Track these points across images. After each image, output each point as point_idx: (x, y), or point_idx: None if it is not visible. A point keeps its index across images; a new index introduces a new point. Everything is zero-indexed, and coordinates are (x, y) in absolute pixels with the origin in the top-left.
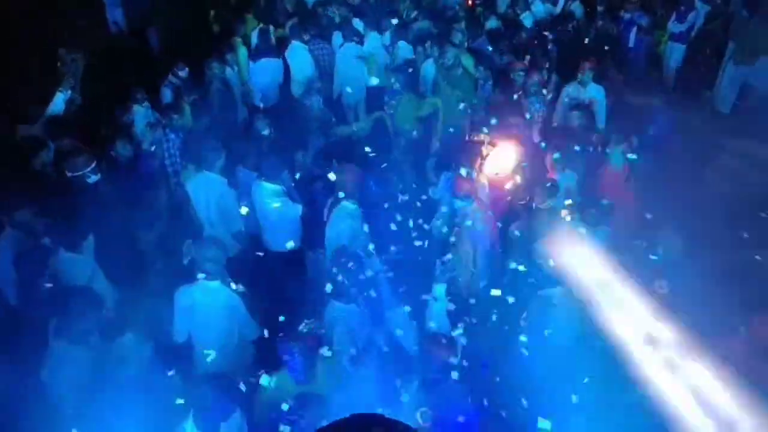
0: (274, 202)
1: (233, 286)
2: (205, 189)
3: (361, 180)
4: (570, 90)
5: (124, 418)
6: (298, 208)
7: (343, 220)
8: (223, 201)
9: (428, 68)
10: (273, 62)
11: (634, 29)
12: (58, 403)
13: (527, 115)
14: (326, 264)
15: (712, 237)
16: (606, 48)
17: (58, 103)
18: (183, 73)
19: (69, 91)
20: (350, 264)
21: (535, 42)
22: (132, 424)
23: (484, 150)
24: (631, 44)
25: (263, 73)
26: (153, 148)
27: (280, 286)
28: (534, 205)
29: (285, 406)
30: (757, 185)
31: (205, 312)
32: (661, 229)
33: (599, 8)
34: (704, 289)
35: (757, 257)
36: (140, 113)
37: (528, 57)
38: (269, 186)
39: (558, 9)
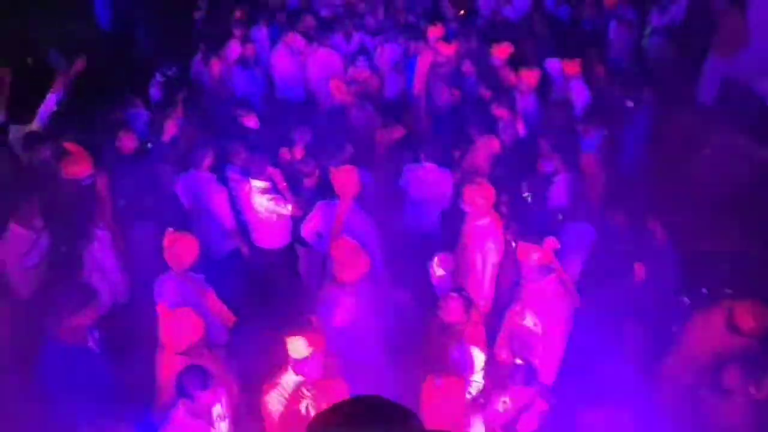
0: (263, 200)
1: None
2: (194, 187)
3: (358, 180)
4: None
5: None
6: (288, 206)
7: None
8: (212, 200)
9: None
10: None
11: (613, 22)
12: None
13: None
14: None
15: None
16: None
17: (50, 103)
18: (171, 72)
19: (61, 91)
20: None
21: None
22: None
23: None
24: (611, 37)
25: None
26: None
27: (271, 283)
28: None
29: None
30: (739, 178)
31: None
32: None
33: None
34: None
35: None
36: (134, 115)
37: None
38: (258, 183)
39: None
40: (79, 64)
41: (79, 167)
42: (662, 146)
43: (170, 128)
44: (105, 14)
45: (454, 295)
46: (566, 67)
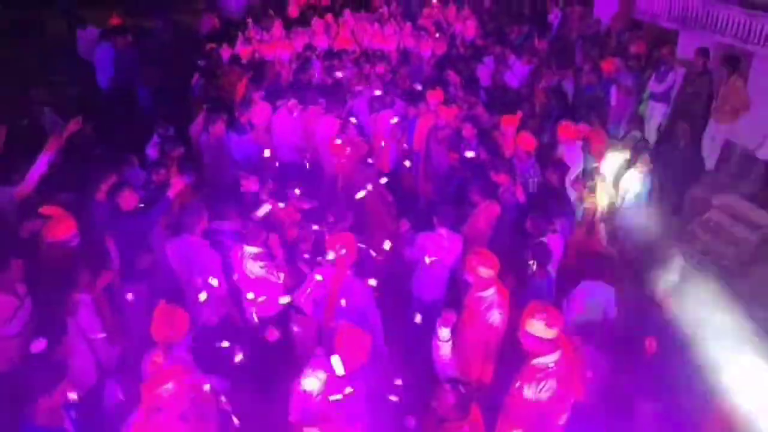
0: (254, 267)
1: None
2: (186, 252)
3: (356, 246)
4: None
5: None
6: (281, 275)
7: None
8: (204, 266)
9: None
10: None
11: (614, 88)
12: None
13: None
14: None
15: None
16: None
17: (41, 165)
18: (169, 133)
19: (53, 153)
20: None
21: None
22: None
23: None
24: (613, 103)
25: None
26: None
27: (263, 351)
28: None
29: None
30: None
31: None
32: None
33: (585, 67)
34: None
35: None
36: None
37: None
38: (251, 249)
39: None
40: (73, 125)
41: (61, 229)
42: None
43: (174, 186)
44: (105, 75)
45: (448, 387)
46: (561, 132)
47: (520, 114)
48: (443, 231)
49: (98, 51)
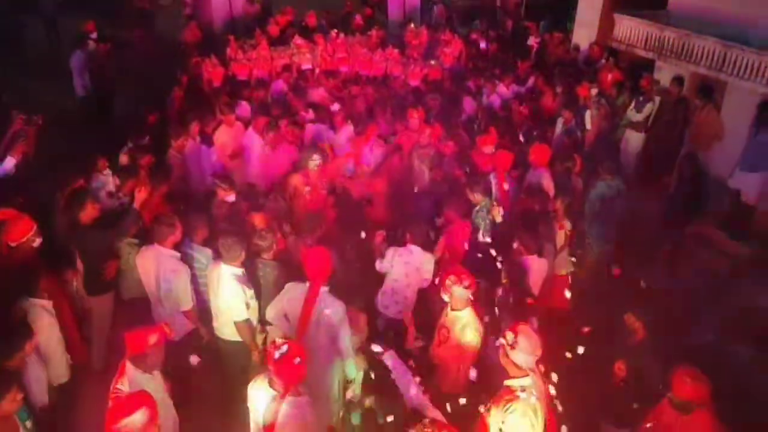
0: (231, 287)
1: None
2: (155, 263)
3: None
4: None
5: None
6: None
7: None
8: (174, 277)
9: None
10: None
11: (587, 113)
12: None
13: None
14: None
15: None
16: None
17: (8, 165)
18: (142, 140)
19: (18, 155)
20: None
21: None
22: None
23: None
24: (588, 128)
25: None
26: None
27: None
28: None
29: None
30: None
31: None
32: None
33: (558, 90)
34: None
35: None
36: (101, 181)
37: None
38: (229, 268)
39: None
40: (37, 121)
41: (18, 231)
42: (637, 233)
43: (138, 196)
44: (79, 81)
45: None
46: (533, 156)
47: (494, 132)
48: (414, 248)
49: (73, 58)
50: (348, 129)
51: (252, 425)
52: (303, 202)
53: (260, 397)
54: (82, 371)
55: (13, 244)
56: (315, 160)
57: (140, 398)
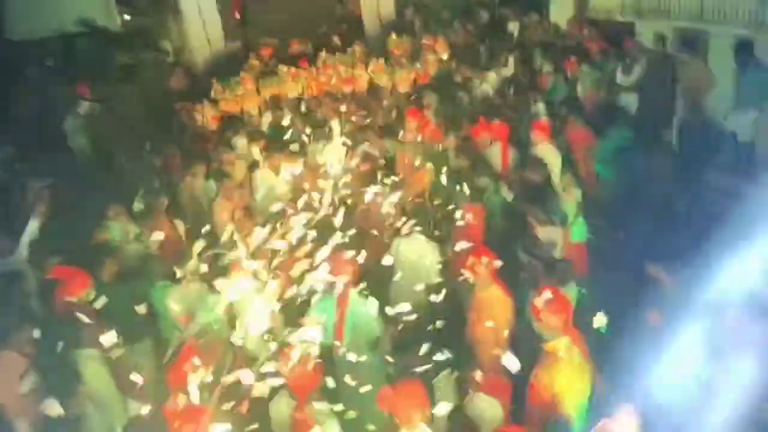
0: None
1: None
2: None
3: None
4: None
5: None
6: None
7: None
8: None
9: None
10: None
11: (579, 85)
12: None
13: None
14: None
15: None
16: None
17: (33, 230)
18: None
19: (41, 219)
20: None
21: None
22: None
23: None
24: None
25: None
26: None
27: None
28: None
29: None
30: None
31: None
32: None
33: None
34: None
35: None
36: (116, 228)
37: None
38: None
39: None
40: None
41: (76, 284)
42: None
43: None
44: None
45: None
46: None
47: (483, 120)
48: (421, 237)
49: (66, 122)
50: None
51: None
52: None
53: None
54: None
55: (74, 299)
56: None
57: None
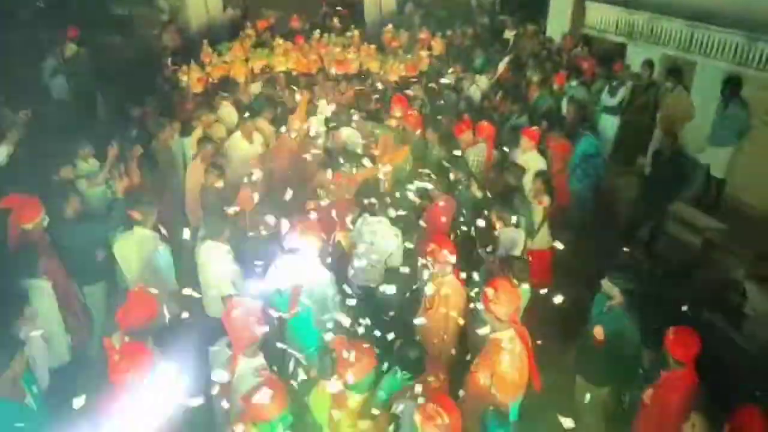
0: (218, 264)
1: None
2: (138, 246)
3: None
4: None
5: None
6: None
7: None
8: (157, 258)
9: None
10: None
11: (565, 100)
12: None
13: None
14: None
15: None
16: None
17: (1, 156)
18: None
19: (11, 146)
20: None
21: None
22: None
23: None
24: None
25: None
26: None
27: None
28: None
29: None
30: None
31: None
32: None
33: (535, 79)
34: None
35: None
36: (83, 169)
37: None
38: (214, 244)
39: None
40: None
41: (31, 211)
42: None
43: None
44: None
45: None
46: (525, 137)
47: (467, 118)
48: (383, 220)
49: (46, 62)
50: None
51: None
52: None
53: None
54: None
55: (28, 226)
56: None
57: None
